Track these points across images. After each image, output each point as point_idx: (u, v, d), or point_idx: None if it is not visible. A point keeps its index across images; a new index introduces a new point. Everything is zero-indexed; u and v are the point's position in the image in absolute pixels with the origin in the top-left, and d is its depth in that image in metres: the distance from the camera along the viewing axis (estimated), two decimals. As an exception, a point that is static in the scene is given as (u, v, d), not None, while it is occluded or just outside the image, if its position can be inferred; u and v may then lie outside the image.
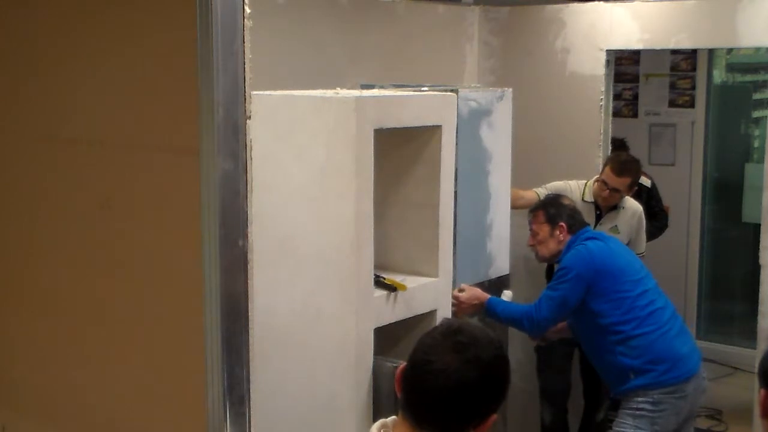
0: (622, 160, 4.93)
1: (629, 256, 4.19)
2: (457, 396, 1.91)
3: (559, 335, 4.47)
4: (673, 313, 4.10)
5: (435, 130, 3.50)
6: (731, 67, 7.66)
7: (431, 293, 3.57)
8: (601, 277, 3.97)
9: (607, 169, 4.88)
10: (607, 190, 4.84)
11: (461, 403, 1.92)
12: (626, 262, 4.10)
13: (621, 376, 3.95)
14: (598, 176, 4.95)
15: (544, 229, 4.23)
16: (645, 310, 3.96)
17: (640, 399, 3.92)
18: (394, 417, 2.02)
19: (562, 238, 4.17)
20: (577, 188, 4.98)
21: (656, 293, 4.07)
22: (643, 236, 5.10)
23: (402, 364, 2.02)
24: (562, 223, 4.17)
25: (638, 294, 3.98)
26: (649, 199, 6.29)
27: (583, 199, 4.93)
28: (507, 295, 4.23)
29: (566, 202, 4.35)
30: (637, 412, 3.92)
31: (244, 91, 1.62)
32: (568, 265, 4.03)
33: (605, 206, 4.93)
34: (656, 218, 6.29)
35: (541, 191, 4.93)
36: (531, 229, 4.32)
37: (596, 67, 5.16)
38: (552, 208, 4.26)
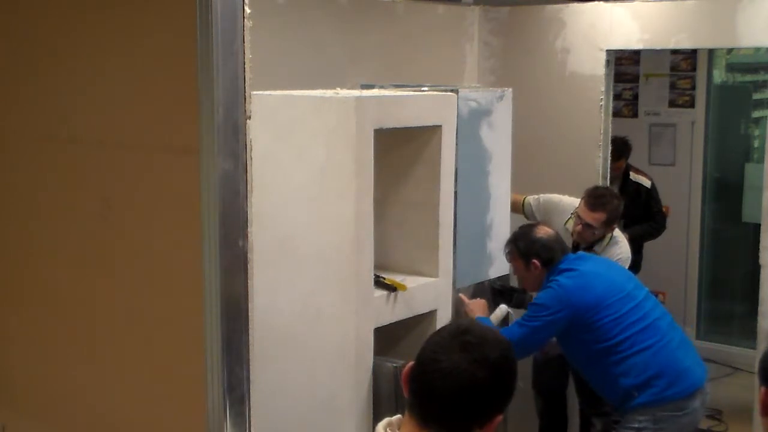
0: (598, 194, 4.56)
1: (610, 274, 4.01)
2: (463, 395, 1.92)
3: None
4: (671, 323, 3.97)
5: (435, 130, 3.50)
6: (731, 67, 7.66)
7: (431, 293, 3.57)
8: (580, 313, 3.83)
9: (582, 202, 4.54)
10: (581, 225, 4.50)
11: (468, 402, 1.92)
12: (606, 285, 3.91)
13: (625, 396, 3.83)
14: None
15: (520, 265, 4.05)
16: (639, 325, 3.83)
17: (641, 417, 3.80)
18: (399, 416, 2.02)
19: (538, 273, 3.99)
20: (569, 208, 4.71)
21: (650, 304, 3.93)
22: None
23: (410, 363, 2.02)
24: (535, 260, 3.98)
25: (628, 311, 3.84)
26: (649, 199, 6.29)
27: (565, 225, 4.70)
28: (502, 309, 4.16)
29: (540, 233, 4.05)
30: (637, 429, 3.82)
31: (244, 91, 1.62)
32: (542, 303, 3.89)
33: (581, 242, 4.61)
34: (654, 220, 6.29)
35: (532, 200, 4.88)
36: (510, 264, 4.16)
37: (596, 67, 5.15)
38: (522, 243, 4.04)
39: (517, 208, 4.72)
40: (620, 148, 6.14)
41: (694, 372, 3.88)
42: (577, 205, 4.64)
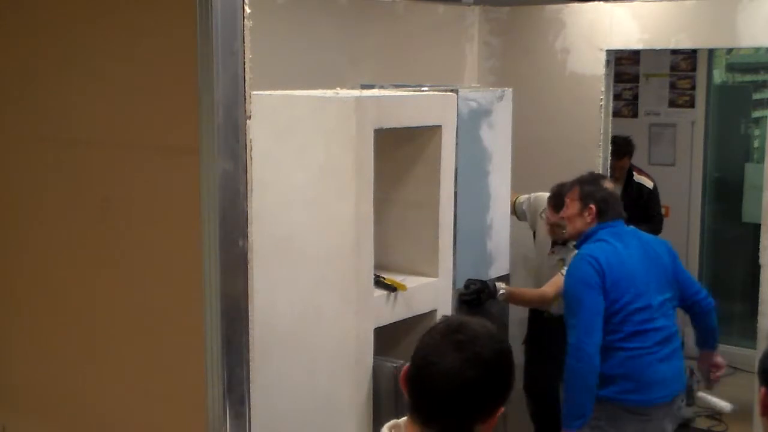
0: (559, 193, 4.51)
1: (643, 266, 3.88)
2: (461, 395, 1.91)
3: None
4: (668, 337, 3.86)
5: (435, 130, 3.50)
6: (731, 67, 7.66)
7: (431, 293, 3.57)
8: (607, 282, 3.76)
9: (547, 203, 4.61)
10: (548, 226, 4.60)
11: (466, 401, 1.92)
12: (632, 272, 3.83)
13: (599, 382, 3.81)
14: None
15: (575, 206, 3.99)
16: (637, 327, 3.78)
17: (597, 411, 3.78)
18: (405, 418, 2.02)
19: (589, 221, 3.94)
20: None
21: (659, 312, 3.84)
22: None
23: (405, 364, 2.02)
24: (592, 206, 3.93)
25: (637, 309, 3.79)
26: (649, 201, 6.28)
27: (541, 216, 4.74)
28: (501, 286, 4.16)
29: (606, 185, 4.06)
30: (593, 422, 3.79)
31: (244, 91, 1.62)
32: (570, 285, 3.84)
33: (554, 238, 4.65)
34: (652, 222, 6.28)
35: (523, 198, 4.89)
36: (564, 203, 4.13)
37: (596, 67, 5.16)
38: (587, 187, 4.01)
39: (510, 208, 4.71)
40: (623, 147, 6.14)
41: (665, 386, 3.81)
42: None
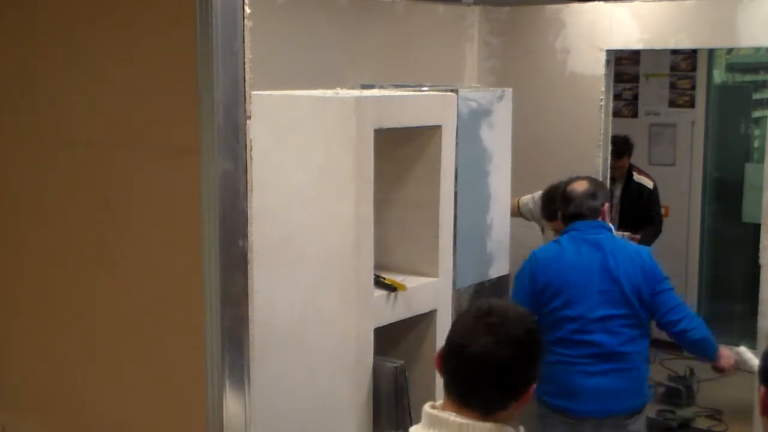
0: (548, 201, 4.53)
1: (589, 276, 3.75)
2: (496, 375, 2.00)
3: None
4: (609, 354, 3.71)
5: (435, 130, 3.50)
6: (731, 67, 7.67)
7: (431, 293, 3.57)
8: (538, 283, 3.77)
9: (541, 214, 4.69)
10: (552, 231, 4.66)
11: (501, 381, 2.02)
12: (571, 279, 3.74)
13: None
14: None
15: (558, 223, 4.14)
16: (566, 335, 3.72)
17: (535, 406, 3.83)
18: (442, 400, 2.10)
19: (559, 226, 4.03)
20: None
21: (598, 326, 3.71)
22: None
23: (441, 347, 2.09)
24: (558, 211, 3.99)
25: (567, 317, 3.72)
26: (650, 201, 6.28)
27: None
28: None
29: (569, 186, 3.94)
30: (535, 415, 3.86)
31: (244, 91, 1.62)
32: (514, 278, 3.92)
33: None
34: (653, 222, 6.28)
35: (527, 198, 4.90)
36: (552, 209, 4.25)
37: (596, 67, 5.16)
38: (555, 189, 4.10)
39: (514, 211, 4.71)
40: (621, 146, 6.15)
41: (595, 401, 3.74)
42: None
